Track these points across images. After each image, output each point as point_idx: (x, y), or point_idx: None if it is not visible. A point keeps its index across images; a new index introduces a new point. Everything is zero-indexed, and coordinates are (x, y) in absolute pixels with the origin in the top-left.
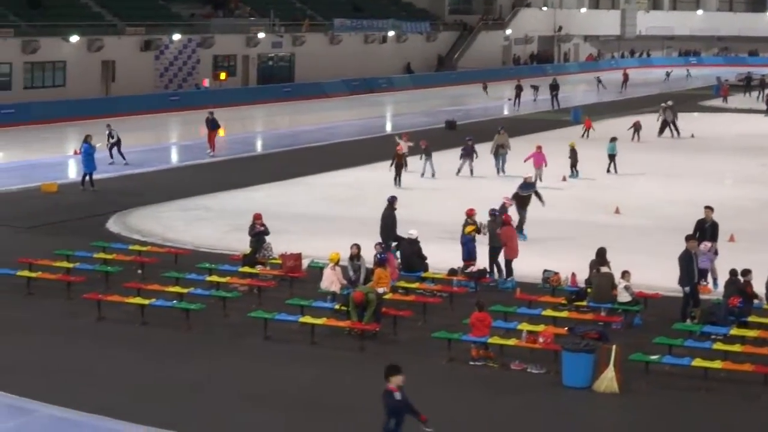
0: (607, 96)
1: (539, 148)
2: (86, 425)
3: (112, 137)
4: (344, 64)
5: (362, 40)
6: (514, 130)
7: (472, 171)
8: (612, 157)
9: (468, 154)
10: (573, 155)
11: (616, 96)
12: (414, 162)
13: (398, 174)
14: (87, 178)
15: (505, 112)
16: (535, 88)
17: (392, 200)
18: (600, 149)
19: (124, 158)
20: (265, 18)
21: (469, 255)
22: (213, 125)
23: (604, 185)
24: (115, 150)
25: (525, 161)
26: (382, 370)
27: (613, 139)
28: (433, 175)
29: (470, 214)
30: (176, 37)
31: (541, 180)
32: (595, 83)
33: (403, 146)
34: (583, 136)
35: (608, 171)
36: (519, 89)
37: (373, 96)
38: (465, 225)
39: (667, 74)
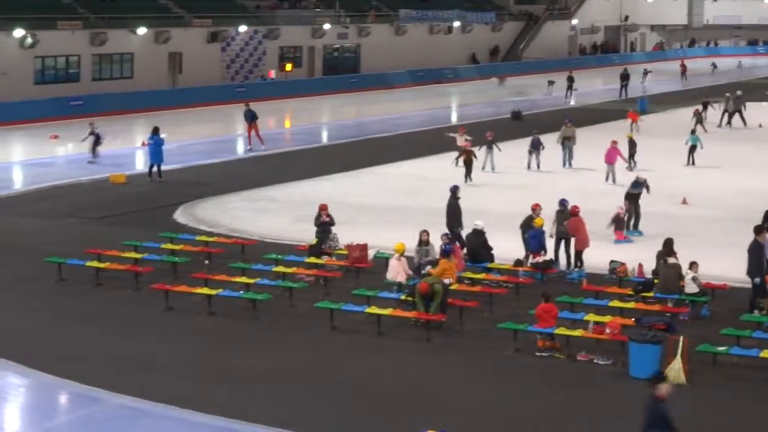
0: (673, 86)
1: (614, 143)
2: (154, 414)
3: (94, 135)
4: (410, 54)
5: (427, 30)
6: (581, 121)
7: (539, 165)
8: (693, 149)
9: (535, 147)
10: (632, 146)
11: (682, 86)
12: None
13: (468, 170)
14: (154, 169)
15: (572, 102)
16: (551, 83)
17: (455, 190)
18: (647, 141)
19: (95, 156)
20: (330, 9)
21: (540, 246)
22: (251, 117)
23: (670, 176)
24: (98, 148)
25: (606, 158)
26: (448, 359)
27: (693, 131)
28: (492, 169)
29: (535, 208)
30: (242, 28)
31: (614, 181)
32: (644, 75)
33: (460, 140)
34: (631, 130)
35: (688, 164)
36: (571, 80)
37: (439, 87)
38: (531, 217)
39: (739, 64)
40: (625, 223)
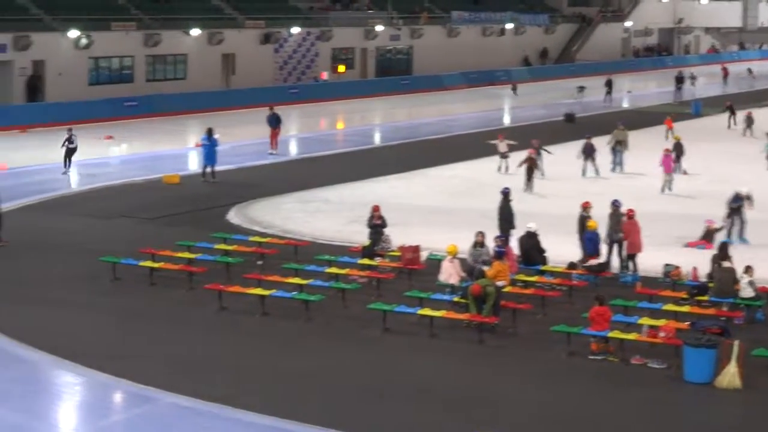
0: (729, 89)
1: (667, 151)
2: (207, 414)
3: (71, 143)
4: (462, 56)
5: (480, 32)
6: (636, 123)
7: (597, 170)
8: None
9: (589, 153)
10: (678, 149)
11: (739, 89)
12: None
13: (529, 179)
14: (208, 170)
15: (625, 105)
16: (581, 88)
17: (506, 192)
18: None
19: (67, 167)
20: (383, 11)
21: (595, 249)
22: (274, 122)
23: (722, 179)
24: (70, 158)
25: (660, 167)
26: (501, 362)
27: None
28: (542, 174)
29: (585, 206)
30: (295, 30)
31: (670, 189)
32: (691, 79)
33: (501, 146)
34: (666, 137)
35: None
36: (609, 84)
37: (492, 88)
38: (583, 218)
39: None
40: (728, 233)
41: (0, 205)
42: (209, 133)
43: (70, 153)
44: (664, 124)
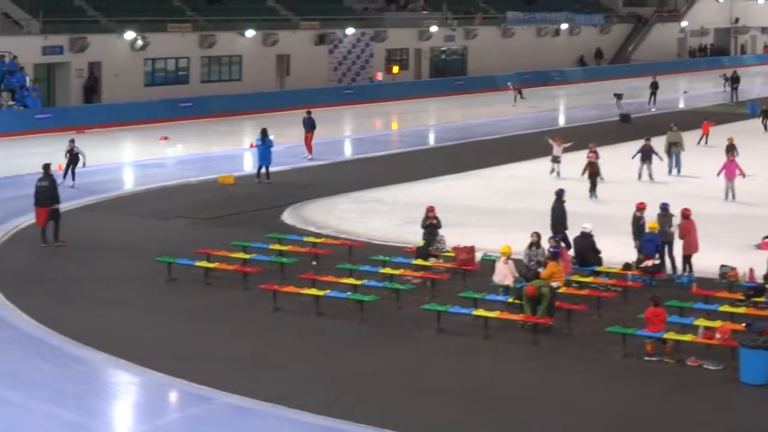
0: None
1: (730, 156)
2: (262, 413)
3: (74, 154)
4: (517, 57)
5: (535, 33)
6: (692, 123)
7: (651, 175)
8: None
9: (647, 156)
10: (731, 150)
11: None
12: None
13: (593, 185)
14: (263, 170)
15: (654, 109)
16: (618, 96)
17: (560, 193)
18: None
19: (73, 179)
20: (437, 11)
21: (656, 250)
22: (309, 126)
23: None
24: (73, 170)
25: (718, 175)
26: (556, 363)
27: None
28: (602, 179)
29: (641, 207)
30: (350, 31)
31: (734, 197)
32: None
33: (556, 149)
34: (699, 142)
35: None
36: (655, 86)
37: (546, 89)
38: (638, 219)
39: None
40: None
41: (58, 205)
42: (264, 133)
43: (72, 163)
44: (700, 128)
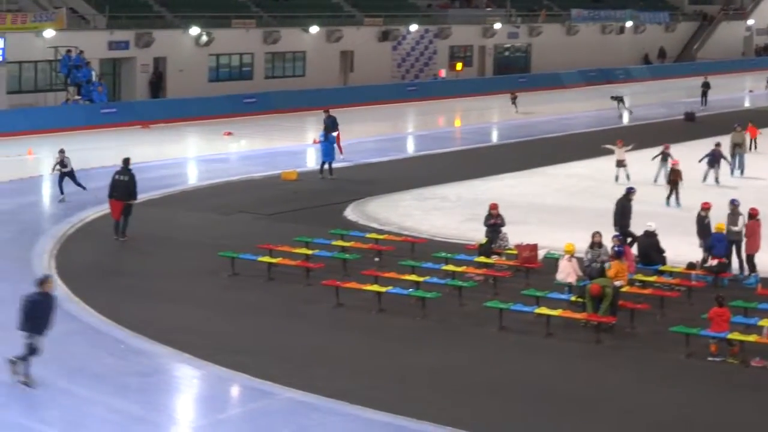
0: None
1: None
2: (324, 409)
3: (65, 166)
4: (581, 54)
5: (599, 30)
6: (758, 123)
7: (717, 179)
8: None
9: (716, 160)
10: None
11: None
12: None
13: (674, 191)
14: (326, 166)
15: (746, 104)
16: (618, 100)
17: (629, 191)
18: None
19: (83, 187)
20: (501, 8)
21: (725, 251)
22: (332, 125)
23: None
24: (67, 181)
25: None
26: (618, 362)
27: None
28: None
29: (705, 207)
30: (413, 27)
31: None
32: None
33: (618, 153)
34: (750, 148)
35: None
36: (706, 86)
37: (610, 87)
38: (702, 218)
39: None
40: None
41: (134, 201)
42: (327, 130)
43: (63, 177)
44: (746, 132)
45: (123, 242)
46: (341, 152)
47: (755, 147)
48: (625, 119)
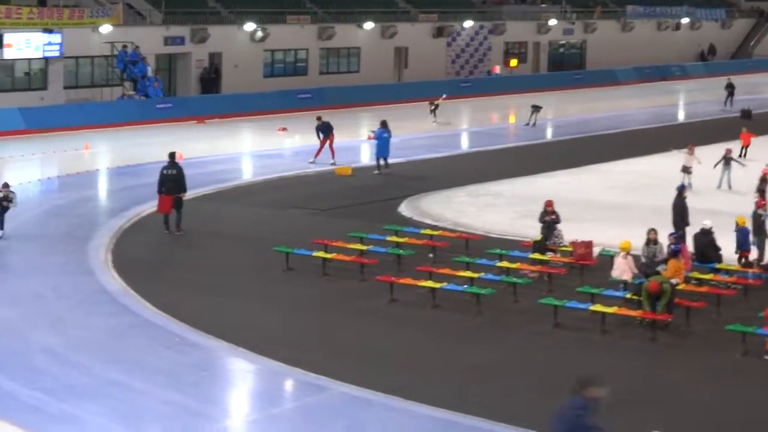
0: None
1: None
2: (378, 404)
3: (10, 201)
4: (636, 51)
5: (655, 27)
6: None
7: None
8: None
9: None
10: None
11: None
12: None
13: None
14: (381, 162)
15: (732, 110)
16: (536, 109)
17: (681, 189)
18: None
19: (2, 227)
20: (556, 5)
21: (742, 245)
22: (325, 131)
23: None
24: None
25: None
26: (674, 360)
27: None
28: (729, 187)
29: (761, 204)
30: (468, 23)
31: None
32: None
33: (688, 159)
34: (741, 155)
35: None
36: (731, 87)
37: (666, 84)
38: (759, 216)
39: None
40: None
41: (184, 194)
42: (384, 125)
43: (3, 211)
44: (740, 139)
45: (179, 236)
46: (333, 156)
47: (745, 155)
48: (531, 125)
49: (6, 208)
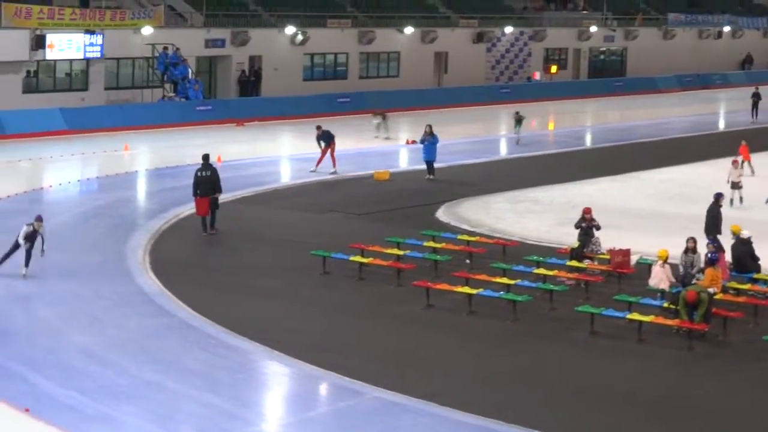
0: None
1: None
2: (413, 410)
3: (36, 237)
4: (677, 59)
5: (696, 35)
6: None
7: None
8: None
9: None
10: None
11: None
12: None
13: None
14: (429, 167)
15: (759, 122)
16: (517, 121)
17: (718, 197)
18: None
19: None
20: (597, 12)
21: None
22: (326, 139)
23: None
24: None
25: None
26: (710, 370)
27: None
28: None
29: None
30: (508, 29)
31: None
32: None
33: (734, 173)
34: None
35: None
36: (757, 98)
37: (707, 92)
38: None
39: None
40: None
41: (219, 194)
42: (430, 130)
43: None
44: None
45: (214, 236)
46: (334, 165)
47: (752, 172)
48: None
49: (32, 244)
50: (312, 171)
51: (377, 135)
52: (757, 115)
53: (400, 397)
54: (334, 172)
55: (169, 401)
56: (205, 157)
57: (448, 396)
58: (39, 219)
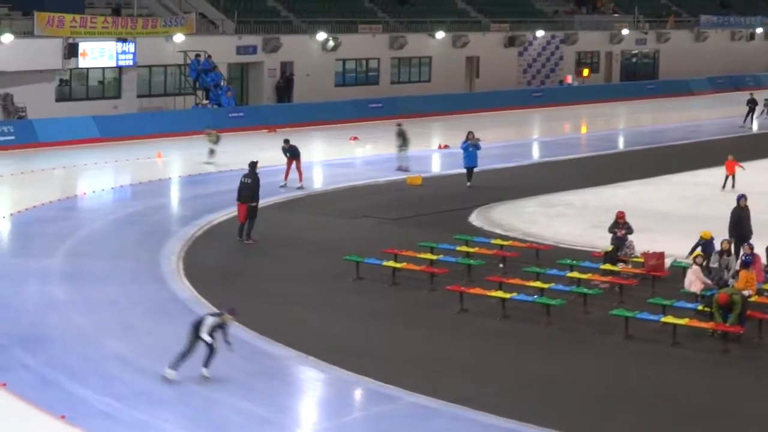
0: None
1: None
2: (447, 414)
3: None
4: (709, 61)
5: (729, 37)
6: None
7: None
8: None
9: None
10: None
11: None
12: None
13: None
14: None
15: (755, 128)
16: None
17: (739, 198)
18: None
19: None
20: (629, 14)
21: None
22: (292, 154)
23: None
24: None
25: None
26: (746, 373)
27: None
28: None
29: None
30: (540, 33)
31: None
32: None
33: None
34: (724, 186)
35: None
36: (753, 103)
37: (739, 94)
38: None
39: None
40: None
41: (256, 203)
42: (473, 136)
43: None
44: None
45: (247, 245)
46: (300, 179)
47: (732, 185)
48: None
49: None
50: (282, 186)
51: (207, 161)
52: (752, 121)
53: (434, 402)
54: (300, 186)
55: (204, 407)
56: (252, 165)
57: (482, 400)
58: (232, 312)
